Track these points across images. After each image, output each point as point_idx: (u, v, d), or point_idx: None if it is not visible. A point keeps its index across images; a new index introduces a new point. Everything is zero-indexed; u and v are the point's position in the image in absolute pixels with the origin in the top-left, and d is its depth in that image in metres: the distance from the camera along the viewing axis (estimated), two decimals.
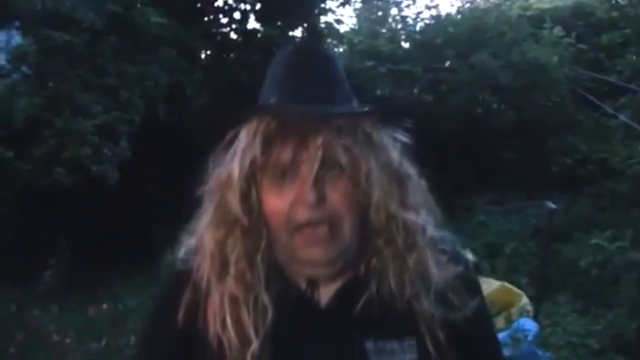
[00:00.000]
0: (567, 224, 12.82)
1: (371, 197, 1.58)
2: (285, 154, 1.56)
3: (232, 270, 1.62)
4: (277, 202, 1.58)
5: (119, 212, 11.82)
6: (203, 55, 15.38)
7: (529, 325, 7.28)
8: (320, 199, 1.54)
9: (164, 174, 12.50)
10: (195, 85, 13.55)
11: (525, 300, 8.68)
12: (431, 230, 1.67)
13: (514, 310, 8.29)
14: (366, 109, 1.65)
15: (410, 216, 1.62)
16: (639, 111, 15.83)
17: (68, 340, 7.55)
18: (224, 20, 15.78)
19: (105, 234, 11.58)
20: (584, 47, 18.48)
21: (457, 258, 1.71)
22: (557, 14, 19.21)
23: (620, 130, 16.47)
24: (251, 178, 1.60)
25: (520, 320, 7.54)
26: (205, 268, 1.66)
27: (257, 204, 1.61)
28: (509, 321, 7.71)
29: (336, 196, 1.56)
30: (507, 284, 9.13)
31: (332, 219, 1.55)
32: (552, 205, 8.64)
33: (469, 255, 1.78)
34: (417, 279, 1.61)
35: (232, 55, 15.67)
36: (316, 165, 1.53)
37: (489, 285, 8.90)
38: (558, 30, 17.99)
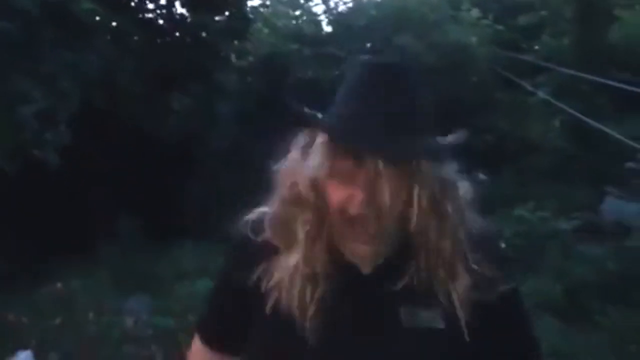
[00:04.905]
0: (490, 199, 13.25)
1: (410, 223, 1.67)
2: (342, 165, 1.64)
3: (296, 243, 1.75)
4: (333, 196, 1.67)
5: (60, 199, 11.91)
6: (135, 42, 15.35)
7: None
8: (370, 203, 1.62)
9: (104, 160, 12.59)
10: (127, 71, 13.60)
11: None
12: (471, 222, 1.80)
13: None
14: (419, 150, 1.70)
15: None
16: (557, 88, 16.45)
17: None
18: (151, 6, 15.74)
19: (47, 219, 11.68)
20: (501, 28, 19.07)
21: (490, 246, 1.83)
22: None
23: (539, 107, 17.10)
24: (317, 176, 1.68)
25: None
26: (274, 238, 1.79)
27: (323, 191, 1.70)
28: None
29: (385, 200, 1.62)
30: None
31: (379, 217, 1.64)
32: (483, 177, 9.00)
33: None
34: (456, 259, 1.72)
35: (161, 40, 15.66)
36: (368, 188, 1.61)
37: None
38: (475, 12, 18.52)
